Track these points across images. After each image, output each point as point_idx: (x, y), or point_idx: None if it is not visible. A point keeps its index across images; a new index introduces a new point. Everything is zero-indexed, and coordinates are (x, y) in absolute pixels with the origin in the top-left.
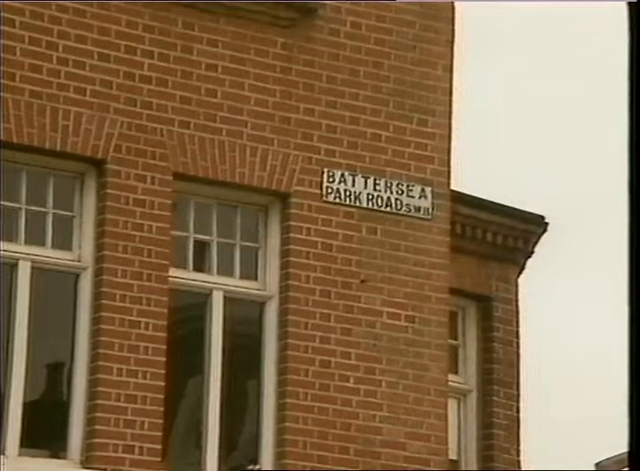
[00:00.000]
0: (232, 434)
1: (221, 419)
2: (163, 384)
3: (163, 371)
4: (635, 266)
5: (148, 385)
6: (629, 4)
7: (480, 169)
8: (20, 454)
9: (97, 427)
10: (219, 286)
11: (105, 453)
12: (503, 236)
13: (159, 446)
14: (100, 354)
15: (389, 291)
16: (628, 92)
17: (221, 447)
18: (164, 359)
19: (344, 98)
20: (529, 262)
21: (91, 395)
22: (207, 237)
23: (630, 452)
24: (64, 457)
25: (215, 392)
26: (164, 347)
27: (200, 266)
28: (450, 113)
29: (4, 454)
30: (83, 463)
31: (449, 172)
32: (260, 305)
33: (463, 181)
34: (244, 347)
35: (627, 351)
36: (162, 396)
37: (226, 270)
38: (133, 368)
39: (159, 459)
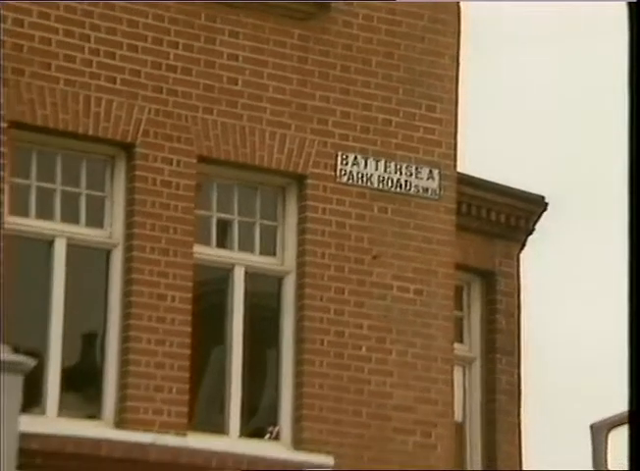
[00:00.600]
0: (252, 399)
1: (242, 385)
2: (189, 352)
3: (189, 340)
4: (635, 242)
5: (175, 353)
6: (629, 4)
7: (484, 152)
8: (58, 416)
9: (129, 391)
10: (240, 261)
11: (136, 416)
12: (505, 215)
13: (186, 410)
14: (131, 325)
15: (398, 267)
16: (628, 92)
17: (242, 411)
18: (189, 329)
19: (356, 86)
20: (530, 239)
21: (123, 363)
22: (229, 216)
23: (631, 411)
24: (99, 419)
25: (237, 361)
26: (189, 318)
27: (223, 243)
28: (456, 100)
29: (45, 415)
30: (117, 424)
31: (455, 155)
32: (278, 280)
33: (468, 163)
34: (264, 319)
35: (628, 313)
36: (188, 364)
37: (246, 247)
38: (162, 338)
39: (186, 421)
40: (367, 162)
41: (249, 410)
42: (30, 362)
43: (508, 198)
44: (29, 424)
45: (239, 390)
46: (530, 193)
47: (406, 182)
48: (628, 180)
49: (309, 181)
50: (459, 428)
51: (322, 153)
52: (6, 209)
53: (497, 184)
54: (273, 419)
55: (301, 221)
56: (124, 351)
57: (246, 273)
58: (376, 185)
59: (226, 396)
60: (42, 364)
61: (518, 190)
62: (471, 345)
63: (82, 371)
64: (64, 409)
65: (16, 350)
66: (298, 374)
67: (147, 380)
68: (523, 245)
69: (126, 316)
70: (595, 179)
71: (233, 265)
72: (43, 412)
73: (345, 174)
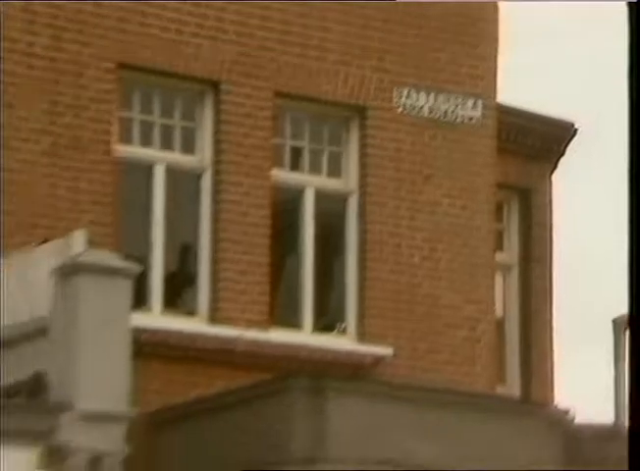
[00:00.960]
0: (323, 300)
1: (314, 289)
2: (268, 260)
3: (268, 251)
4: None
5: (257, 261)
6: (629, 4)
7: (522, 84)
8: (162, 313)
9: (220, 294)
10: (310, 183)
11: (226, 314)
12: (540, 140)
13: (266, 309)
14: (220, 237)
15: (447, 186)
16: (628, 92)
17: (315, 310)
18: (268, 242)
19: (412, 29)
20: (561, 161)
21: (214, 269)
22: (301, 144)
23: (631, 315)
24: (195, 315)
25: (309, 268)
26: (268, 232)
27: (295, 167)
28: (497, 38)
29: (151, 312)
30: (210, 321)
31: (495, 87)
32: (343, 199)
33: (508, 94)
34: (332, 232)
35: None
36: (267, 270)
37: (315, 170)
38: (245, 249)
39: (267, 318)
40: (419, 95)
41: (320, 309)
42: (137, 268)
43: (543, 125)
44: (139, 320)
45: (311, 292)
46: (561, 120)
47: (453, 111)
48: (628, 174)
49: (369, 112)
50: (500, 324)
51: (380, 88)
52: (115, 139)
53: (532, 113)
54: (341, 316)
55: (363, 147)
56: (214, 260)
57: (316, 193)
58: (427, 115)
59: (300, 298)
60: (147, 269)
61: (551, 118)
62: (510, 254)
63: (181, 275)
64: (166, 307)
65: (125, 258)
66: (362, 278)
67: (234, 284)
68: (555, 166)
69: (215, 230)
70: (624, 107)
71: (304, 186)
72: (150, 310)
73: (400, 105)
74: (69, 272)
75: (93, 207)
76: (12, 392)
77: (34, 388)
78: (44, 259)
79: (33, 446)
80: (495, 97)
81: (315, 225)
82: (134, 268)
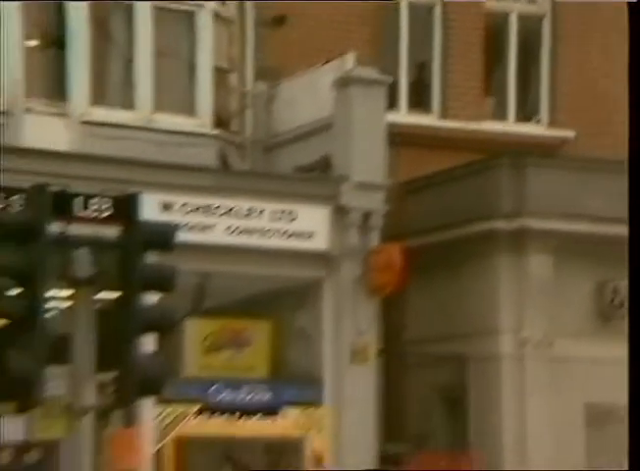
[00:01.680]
0: (523, 98)
1: (516, 90)
2: (482, 69)
3: (482, 64)
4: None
5: (474, 71)
6: (629, 4)
7: None
8: (407, 112)
9: (448, 96)
10: (513, 9)
11: (452, 112)
12: None
13: (482, 106)
14: (449, 53)
15: None
16: (629, 91)
17: (517, 106)
18: (482, 57)
19: None
20: None
21: (444, 78)
22: None
23: (630, 410)
24: (430, 113)
25: (512, 74)
26: (482, 48)
27: None
28: None
29: (399, 111)
30: (441, 116)
31: None
32: (539, 20)
33: None
34: (530, 47)
35: None
36: (482, 77)
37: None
38: (466, 61)
39: (481, 113)
40: None
41: (521, 105)
42: (390, 79)
43: None
44: (391, 117)
45: (514, 92)
46: None
47: None
48: (628, 172)
49: None
50: None
51: None
52: None
53: None
54: (536, 110)
55: None
56: (444, 71)
57: (518, 16)
58: None
59: (505, 97)
60: (397, 81)
61: None
62: None
63: (420, 84)
64: (410, 108)
65: (381, 72)
66: (552, 80)
67: (458, 88)
68: None
69: (445, 48)
70: None
71: (508, 12)
72: (398, 110)
73: None
74: (343, 83)
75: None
76: (308, 169)
77: (323, 166)
78: (326, 75)
79: (324, 206)
80: None
81: (517, 41)
82: (388, 79)
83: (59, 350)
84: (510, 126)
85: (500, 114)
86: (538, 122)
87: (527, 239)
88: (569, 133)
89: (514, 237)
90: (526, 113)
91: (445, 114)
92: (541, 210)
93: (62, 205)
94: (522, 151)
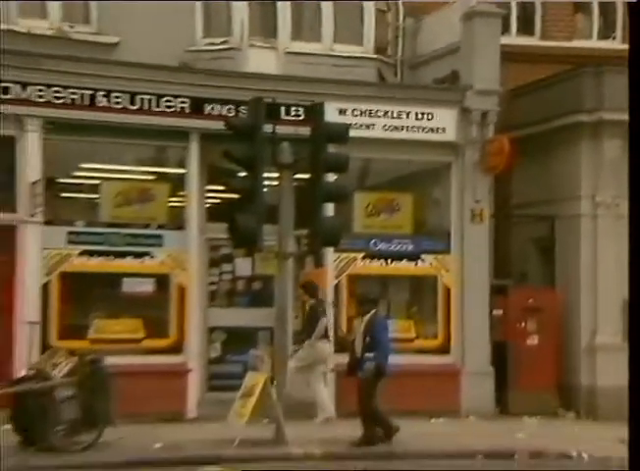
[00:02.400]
0: None
1: None
2: None
3: None
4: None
5: None
6: (629, 4)
7: None
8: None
9: None
10: None
11: (557, 33)
12: None
13: None
14: None
15: None
16: (629, 91)
17: None
18: None
19: None
20: None
21: None
22: None
23: (630, 410)
24: (532, 35)
25: None
26: None
27: None
28: None
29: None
30: (542, 38)
31: None
32: None
33: None
34: None
35: None
36: None
37: None
38: None
39: None
40: None
41: (604, 20)
42: (505, 12)
43: None
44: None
45: None
46: None
47: None
48: (629, 171)
49: None
50: None
51: None
52: None
53: None
54: (614, 29)
55: None
56: None
57: None
58: None
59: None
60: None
61: None
62: None
63: None
64: (520, 32)
65: (499, 7)
66: None
67: None
68: None
69: None
70: None
71: None
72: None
73: None
74: (468, 16)
75: None
76: (442, 81)
77: (453, 78)
78: (456, 11)
79: (453, 108)
80: None
81: None
82: (502, 12)
83: (271, 214)
84: (594, 43)
85: (586, 34)
86: (614, 38)
87: (603, 128)
88: None
89: (594, 127)
90: (606, 32)
91: (544, 36)
92: (614, 106)
93: (272, 112)
94: (601, 62)
